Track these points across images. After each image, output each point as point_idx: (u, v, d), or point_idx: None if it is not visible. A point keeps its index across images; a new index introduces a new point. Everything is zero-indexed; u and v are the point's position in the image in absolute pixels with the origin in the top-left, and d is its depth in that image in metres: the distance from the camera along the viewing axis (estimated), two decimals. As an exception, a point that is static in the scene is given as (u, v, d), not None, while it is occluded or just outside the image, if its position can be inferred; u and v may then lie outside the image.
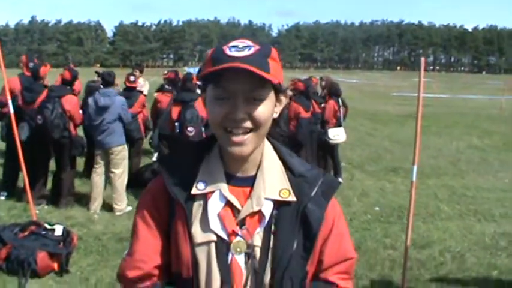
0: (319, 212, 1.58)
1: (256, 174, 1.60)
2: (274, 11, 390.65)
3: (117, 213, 8.09)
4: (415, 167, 5.41)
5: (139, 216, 1.65)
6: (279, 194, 1.56)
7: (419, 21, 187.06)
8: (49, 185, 8.79)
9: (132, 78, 9.70)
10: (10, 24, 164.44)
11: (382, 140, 16.93)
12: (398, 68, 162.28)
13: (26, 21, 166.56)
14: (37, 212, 7.57)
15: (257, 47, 1.49)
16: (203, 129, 7.95)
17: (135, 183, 8.81)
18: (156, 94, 11.27)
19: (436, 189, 10.23)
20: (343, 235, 1.69)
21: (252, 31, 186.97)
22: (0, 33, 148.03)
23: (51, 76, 10.05)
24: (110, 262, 6.10)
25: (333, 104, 10.55)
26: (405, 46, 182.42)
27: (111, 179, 8.26)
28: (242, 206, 1.55)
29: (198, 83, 8.80)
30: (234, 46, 1.48)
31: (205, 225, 1.53)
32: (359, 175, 11.45)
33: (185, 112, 7.86)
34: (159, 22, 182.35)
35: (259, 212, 1.54)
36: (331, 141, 10.44)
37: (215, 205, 1.54)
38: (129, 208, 8.23)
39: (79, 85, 10.26)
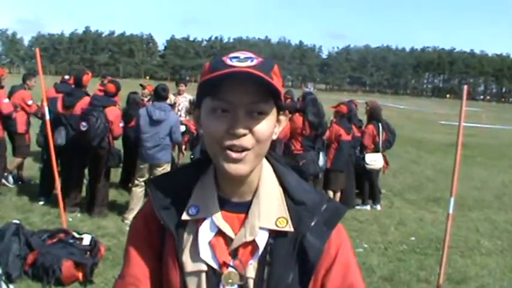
0: (319, 244, 1.43)
1: (252, 200, 1.46)
2: (325, 33, 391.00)
3: (149, 226, 8.02)
4: (452, 199, 5.18)
5: (131, 238, 1.55)
6: (276, 223, 1.42)
7: (471, 50, 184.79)
8: (83, 193, 8.81)
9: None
10: (65, 33, 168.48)
11: (425, 168, 16.58)
12: (448, 96, 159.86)
13: (80, 31, 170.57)
14: (70, 219, 7.61)
15: (260, 59, 1.38)
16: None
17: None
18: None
19: (477, 222, 9.89)
20: (348, 265, 1.51)
21: (302, 52, 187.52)
22: (55, 42, 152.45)
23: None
24: (135, 275, 6.02)
25: (372, 129, 10.36)
26: (456, 74, 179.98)
27: None
28: (235, 234, 1.42)
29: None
30: (235, 57, 1.37)
31: (195, 254, 1.41)
32: (398, 203, 11.19)
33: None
34: (210, 38, 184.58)
35: (253, 242, 1.41)
36: (367, 167, 10.25)
37: (206, 233, 1.42)
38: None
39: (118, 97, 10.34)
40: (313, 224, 1.44)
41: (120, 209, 8.68)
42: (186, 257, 1.41)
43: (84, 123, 7.94)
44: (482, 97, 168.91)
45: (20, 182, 10.05)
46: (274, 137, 1.45)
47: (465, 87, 5.01)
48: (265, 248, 1.41)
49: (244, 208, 1.45)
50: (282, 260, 1.42)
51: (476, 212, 10.76)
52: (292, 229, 1.42)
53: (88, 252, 5.83)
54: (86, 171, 9.03)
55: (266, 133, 1.37)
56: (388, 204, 10.91)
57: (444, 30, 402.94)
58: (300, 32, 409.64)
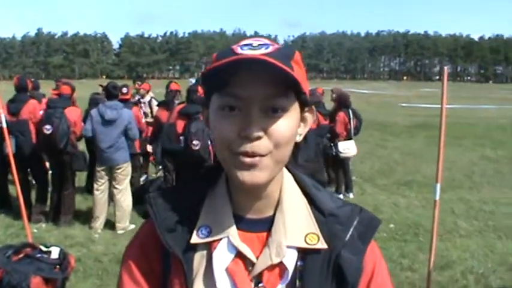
0: (357, 261, 1.19)
1: (274, 215, 1.22)
2: (280, 22, 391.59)
3: (119, 232, 7.73)
4: (439, 185, 5.00)
5: (126, 270, 1.26)
6: (305, 240, 1.18)
7: (425, 31, 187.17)
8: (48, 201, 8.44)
9: (124, 89, 9.24)
10: (17, 36, 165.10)
11: (392, 152, 16.53)
12: (405, 78, 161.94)
13: (32, 33, 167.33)
14: (35, 230, 7.27)
15: (276, 46, 1.12)
16: (209, 142, 7.61)
17: (138, 200, 8.42)
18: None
19: (451, 203, 9.80)
20: (385, 286, 1.28)
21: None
22: (7, 46, 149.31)
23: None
24: (109, 287, 5.74)
25: (343, 116, 10.19)
26: (411, 56, 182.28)
27: (114, 195, 7.89)
28: (257, 257, 1.18)
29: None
30: (246, 44, 1.12)
31: (210, 284, 1.15)
32: (370, 189, 11.08)
33: (190, 125, 7.53)
34: (165, 34, 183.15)
35: (280, 264, 1.16)
36: (341, 155, 10.09)
37: (222, 257, 1.17)
38: (132, 226, 7.90)
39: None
40: (347, 238, 1.21)
41: (87, 215, 8.33)
42: None
43: (47, 126, 7.58)
44: (438, 77, 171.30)
45: None
46: (298, 138, 1.21)
47: (445, 68, 4.82)
48: (294, 270, 1.17)
49: (265, 225, 1.22)
50: (315, 282, 1.18)
51: (449, 193, 10.67)
52: (325, 246, 1.19)
53: (58, 266, 5.48)
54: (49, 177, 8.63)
55: (286, 134, 1.12)
56: (360, 191, 10.79)
57: (398, 13, 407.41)
58: (254, 22, 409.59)
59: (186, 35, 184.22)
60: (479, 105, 40.71)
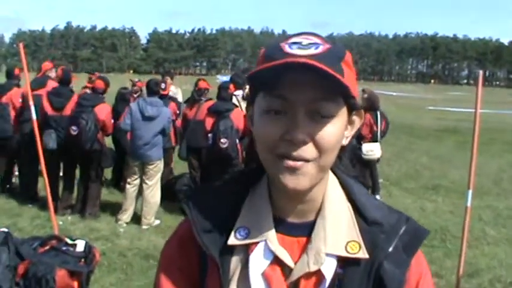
0: (400, 274, 1.13)
1: (315, 221, 1.17)
2: (308, 22, 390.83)
3: (144, 227, 7.72)
4: (470, 192, 4.88)
5: (164, 269, 1.24)
6: (346, 249, 1.13)
7: (454, 35, 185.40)
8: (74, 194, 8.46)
9: (162, 85, 9.26)
10: (46, 29, 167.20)
11: (420, 155, 16.32)
12: (432, 81, 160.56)
13: (61, 26, 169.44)
14: (60, 223, 7.27)
15: (327, 45, 1.07)
16: (237, 141, 7.57)
17: (165, 195, 8.41)
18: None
19: (479, 210, 9.61)
20: None
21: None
22: (36, 38, 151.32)
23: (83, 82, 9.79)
24: (134, 282, 5.74)
25: (369, 118, 10.06)
26: (439, 59, 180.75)
27: (144, 191, 7.88)
28: (295, 263, 1.13)
29: (235, 93, 8.43)
30: (295, 43, 1.07)
31: None
32: (397, 192, 10.94)
33: (219, 123, 7.50)
34: (193, 30, 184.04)
35: (318, 272, 1.11)
36: (364, 157, 9.95)
37: (259, 261, 1.13)
38: (157, 222, 7.90)
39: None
40: (391, 249, 1.14)
41: (113, 209, 8.34)
42: None
43: (74, 128, 7.59)
44: (466, 81, 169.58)
45: (7, 186, 9.60)
46: (345, 141, 1.16)
47: (480, 72, 4.72)
48: (332, 279, 1.12)
49: (306, 230, 1.17)
50: None
51: (477, 200, 10.44)
52: (366, 255, 1.12)
53: (83, 260, 5.49)
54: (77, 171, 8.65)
55: (332, 140, 1.08)
56: (387, 194, 10.64)
57: (426, 15, 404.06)
58: (283, 21, 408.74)
59: (214, 31, 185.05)
60: (508, 110, 40.11)
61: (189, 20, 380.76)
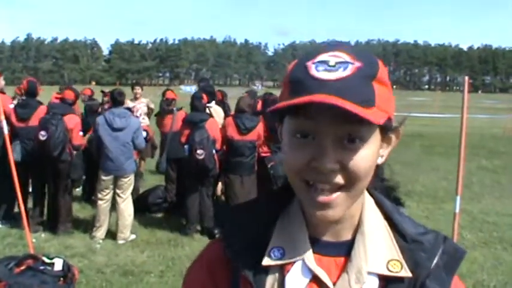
0: None
1: (353, 239, 1.10)
2: (270, 30, 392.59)
3: (120, 242, 7.55)
4: (459, 198, 4.87)
5: None
6: (387, 267, 1.06)
7: (415, 41, 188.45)
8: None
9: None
10: (6, 41, 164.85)
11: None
12: (394, 87, 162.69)
13: (21, 38, 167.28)
14: (34, 240, 7.04)
15: (357, 64, 0.98)
16: (214, 151, 7.47)
17: (138, 208, 8.25)
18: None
19: (453, 214, 9.68)
20: None
21: (248, 50, 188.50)
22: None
23: (45, 94, 9.57)
24: (114, 300, 5.57)
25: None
26: (401, 65, 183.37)
27: (118, 204, 7.68)
28: (334, 283, 1.06)
29: (208, 104, 8.36)
30: (322, 62, 0.99)
31: None
32: (370, 199, 10.94)
33: (194, 134, 7.38)
34: (155, 40, 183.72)
35: None
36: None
37: (296, 281, 1.06)
38: (133, 236, 7.72)
39: (77, 106, 9.71)
40: (432, 266, 1.08)
41: (86, 224, 8.15)
42: None
43: (43, 133, 7.36)
44: (427, 86, 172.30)
45: None
46: (380, 160, 1.08)
47: (466, 78, 4.70)
48: None
49: (343, 249, 1.10)
50: None
51: (450, 204, 10.49)
52: (409, 274, 1.06)
53: (62, 279, 5.32)
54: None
55: (363, 167, 1.00)
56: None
57: (388, 22, 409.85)
58: (245, 30, 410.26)
59: (176, 42, 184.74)
60: (471, 114, 40.70)
61: (151, 31, 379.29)
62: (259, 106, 9.13)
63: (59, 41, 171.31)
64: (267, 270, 1.08)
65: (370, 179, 1.05)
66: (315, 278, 1.06)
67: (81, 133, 8.11)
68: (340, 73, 0.96)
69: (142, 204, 8.80)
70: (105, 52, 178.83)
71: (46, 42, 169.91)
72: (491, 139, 22.90)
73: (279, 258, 1.08)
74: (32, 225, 7.64)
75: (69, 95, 8.17)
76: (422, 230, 1.14)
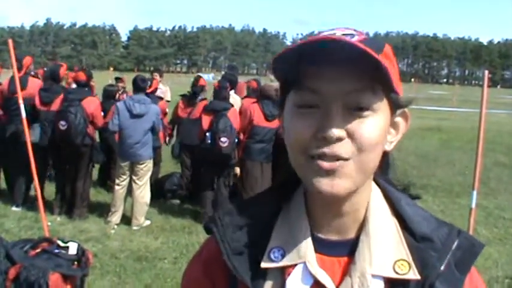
0: None
1: (357, 238, 1.04)
2: (288, 20, 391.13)
3: (134, 228, 7.57)
4: (475, 192, 4.82)
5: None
6: (394, 269, 0.99)
7: (434, 34, 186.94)
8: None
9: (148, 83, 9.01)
10: (25, 25, 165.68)
11: (407, 154, 16.28)
12: (412, 80, 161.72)
13: (41, 23, 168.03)
14: (49, 223, 7.08)
15: (364, 36, 0.97)
16: (236, 140, 7.46)
17: (154, 194, 8.26)
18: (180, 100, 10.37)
19: (469, 210, 9.61)
20: None
21: (267, 39, 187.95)
22: (15, 35, 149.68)
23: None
24: (128, 285, 5.59)
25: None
26: (419, 58, 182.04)
27: (134, 191, 7.70)
28: (337, 287, 1.00)
29: (232, 92, 8.33)
30: (329, 31, 0.98)
31: None
32: (386, 192, 10.89)
33: (218, 122, 7.35)
34: (174, 28, 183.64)
35: None
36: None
37: (297, 286, 1.00)
38: (148, 222, 7.74)
39: (93, 88, 9.71)
40: (443, 267, 1.01)
41: (101, 209, 8.19)
42: None
43: (63, 122, 7.37)
44: (445, 80, 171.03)
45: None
46: (388, 147, 1.03)
47: (486, 72, 4.62)
48: None
49: (347, 249, 1.04)
50: None
51: (465, 199, 10.42)
52: (418, 276, 0.99)
53: (76, 263, 5.34)
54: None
55: (372, 137, 0.94)
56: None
57: (407, 14, 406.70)
58: (263, 19, 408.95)
59: (195, 29, 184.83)
60: (491, 109, 40.36)
61: (169, 18, 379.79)
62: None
63: (77, 26, 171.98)
64: (266, 273, 1.03)
65: (378, 166, 1.01)
66: (317, 283, 1.00)
67: (102, 113, 8.14)
68: (348, 38, 0.92)
69: (158, 190, 8.82)
70: (124, 38, 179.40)
71: (65, 27, 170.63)
72: (509, 135, 22.66)
73: (279, 260, 1.02)
74: (55, 207, 7.73)
75: (81, 76, 8.14)
76: (435, 224, 1.07)
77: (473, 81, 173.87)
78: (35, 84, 8.11)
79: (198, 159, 8.12)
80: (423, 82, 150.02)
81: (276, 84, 8.43)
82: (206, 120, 7.59)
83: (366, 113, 0.94)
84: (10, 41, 6.23)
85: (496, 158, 16.22)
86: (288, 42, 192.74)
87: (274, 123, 7.65)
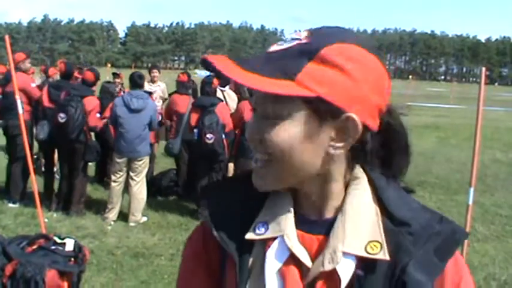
0: (426, 280, 0.99)
1: (335, 218, 1.06)
2: (286, 17, 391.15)
3: (131, 224, 7.57)
4: (472, 190, 4.83)
5: (185, 258, 1.22)
6: (365, 249, 1.00)
7: (432, 31, 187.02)
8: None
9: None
10: (23, 21, 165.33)
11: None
12: (410, 77, 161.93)
13: (38, 19, 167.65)
14: (46, 220, 7.08)
15: (304, 40, 1.00)
16: (223, 136, 7.46)
17: (150, 191, 8.26)
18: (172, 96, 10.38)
19: (466, 206, 9.63)
20: None
21: (264, 36, 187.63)
22: (13, 31, 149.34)
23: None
24: (125, 282, 5.59)
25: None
26: (417, 55, 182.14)
27: (131, 187, 7.70)
28: (313, 261, 1.03)
29: (223, 89, 8.33)
30: (284, 38, 1.05)
31: (260, 286, 1.03)
32: (383, 189, 10.90)
33: (204, 118, 7.38)
34: (171, 24, 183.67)
35: (334, 272, 1.00)
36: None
37: (275, 258, 1.03)
38: (145, 219, 7.75)
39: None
40: (417, 252, 1.01)
41: (98, 205, 8.20)
42: None
43: (62, 115, 7.38)
44: (443, 77, 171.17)
45: None
46: (333, 151, 1.03)
47: (483, 69, 4.61)
48: (351, 281, 1.00)
49: (325, 228, 1.07)
50: None
51: (463, 196, 10.43)
52: (386, 257, 0.99)
53: (73, 259, 5.33)
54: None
55: (277, 141, 1.00)
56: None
57: (405, 11, 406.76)
58: (261, 16, 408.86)
59: (192, 26, 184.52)
60: (487, 107, 40.36)
61: (167, 14, 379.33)
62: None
63: (75, 22, 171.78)
64: (252, 246, 1.07)
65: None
66: (294, 256, 1.03)
67: (98, 115, 8.11)
68: (281, 46, 1.01)
69: (155, 187, 8.82)
70: (121, 35, 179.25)
71: (62, 23, 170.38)
72: (507, 132, 22.70)
73: (262, 233, 1.06)
74: (45, 204, 7.72)
75: (89, 76, 8.17)
76: (418, 210, 1.07)
77: (471, 79, 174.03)
78: (26, 79, 8.12)
79: (192, 155, 8.16)
80: (421, 79, 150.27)
81: None
82: (194, 117, 7.64)
83: (275, 120, 1.00)
84: (7, 37, 6.22)
85: (494, 155, 16.29)
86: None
87: None
